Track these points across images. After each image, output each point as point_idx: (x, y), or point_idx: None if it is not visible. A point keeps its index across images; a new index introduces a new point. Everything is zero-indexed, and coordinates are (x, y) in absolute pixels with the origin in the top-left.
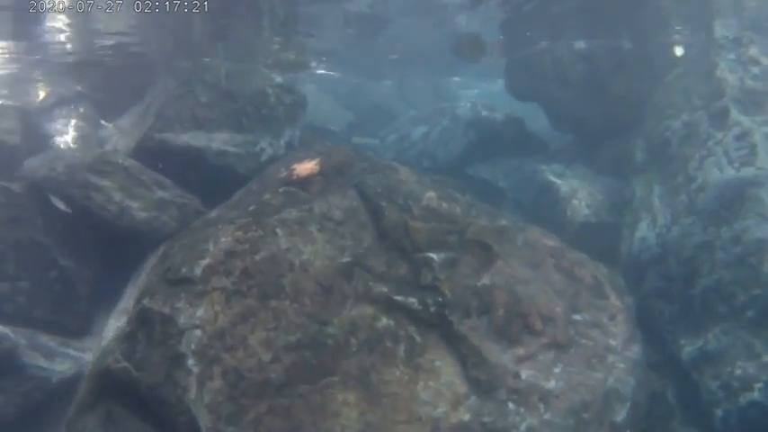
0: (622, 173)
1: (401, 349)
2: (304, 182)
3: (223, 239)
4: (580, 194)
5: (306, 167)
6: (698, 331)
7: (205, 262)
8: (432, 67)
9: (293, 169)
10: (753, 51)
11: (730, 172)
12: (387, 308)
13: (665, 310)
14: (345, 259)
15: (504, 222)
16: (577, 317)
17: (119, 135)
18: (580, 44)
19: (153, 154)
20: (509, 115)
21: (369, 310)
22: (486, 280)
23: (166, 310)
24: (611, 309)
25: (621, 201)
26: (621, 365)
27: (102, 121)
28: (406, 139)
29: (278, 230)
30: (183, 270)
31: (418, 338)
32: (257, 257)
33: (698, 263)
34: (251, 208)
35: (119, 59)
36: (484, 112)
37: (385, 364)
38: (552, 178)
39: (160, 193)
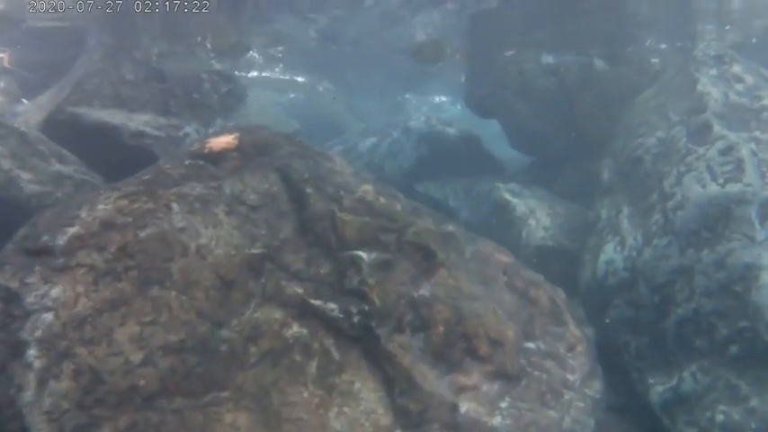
0: (585, 198)
1: (313, 365)
2: (217, 156)
3: (101, 207)
4: (538, 215)
5: (221, 141)
6: (670, 369)
7: (72, 231)
8: (389, 83)
9: (206, 142)
10: (736, 69)
11: (714, 188)
12: (300, 313)
13: (632, 344)
14: (255, 250)
15: (451, 228)
16: (530, 344)
17: (35, 110)
18: (548, 58)
19: (63, 128)
20: (465, 131)
21: (277, 313)
22: (425, 291)
23: (14, 285)
24: (570, 338)
25: (583, 225)
26: (580, 404)
27: (24, 100)
28: (353, 150)
29: (174, 206)
30: (44, 238)
31: (336, 354)
32: (142, 234)
33: (673, 290)
34: (145, 177)
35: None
36: (438, 127)
37: (291, 382)
38: (508, 197)
39: (58, 167)
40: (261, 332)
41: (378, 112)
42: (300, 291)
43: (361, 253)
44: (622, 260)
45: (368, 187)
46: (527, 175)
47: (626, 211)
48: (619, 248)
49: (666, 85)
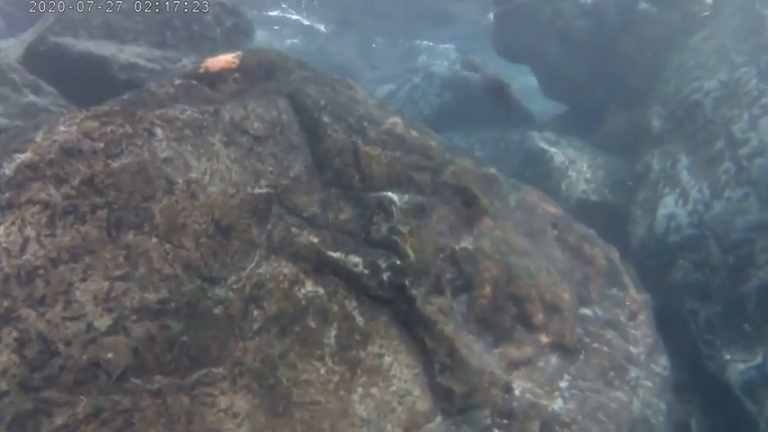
0: (627, 150)
1: (332, 334)
2: (214, 77)
3: (63, 129)
4: (578, 166)
5: (220, 60)
6: (752, 344)
7: (23, 158)
8: (407, 27)
9: (202, 61)
10: None
11: None
12: (315, 268)
13: (701, 312)
14: (260, 190)
15: (493, 171)
16: (587, 311)
17: (18, 45)
18: None
19: (44, 60)
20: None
21: (287, 268)
22: (467, 243)
23: None
24: (631, 304)
25: (628, 179)
26: (647, 383)
27: (10, 38)
28: None
29: (157, 131)
30: None
31: (360, 319)
32: (115, 164)
33: (753, 250)
34: (124, 97)
35: None
36: (463, 72)
37: (303, 355)
38: (544, 145)
39: (32, 98)
40: (266, 291)
41: (393, 60)
42: (315, 240)
43: (391, 194)
44: (686, 215)
45: (396, 119)
46: (562, 125)
47: (684, 160)
48: (681, 201)
49: (723, 25)
